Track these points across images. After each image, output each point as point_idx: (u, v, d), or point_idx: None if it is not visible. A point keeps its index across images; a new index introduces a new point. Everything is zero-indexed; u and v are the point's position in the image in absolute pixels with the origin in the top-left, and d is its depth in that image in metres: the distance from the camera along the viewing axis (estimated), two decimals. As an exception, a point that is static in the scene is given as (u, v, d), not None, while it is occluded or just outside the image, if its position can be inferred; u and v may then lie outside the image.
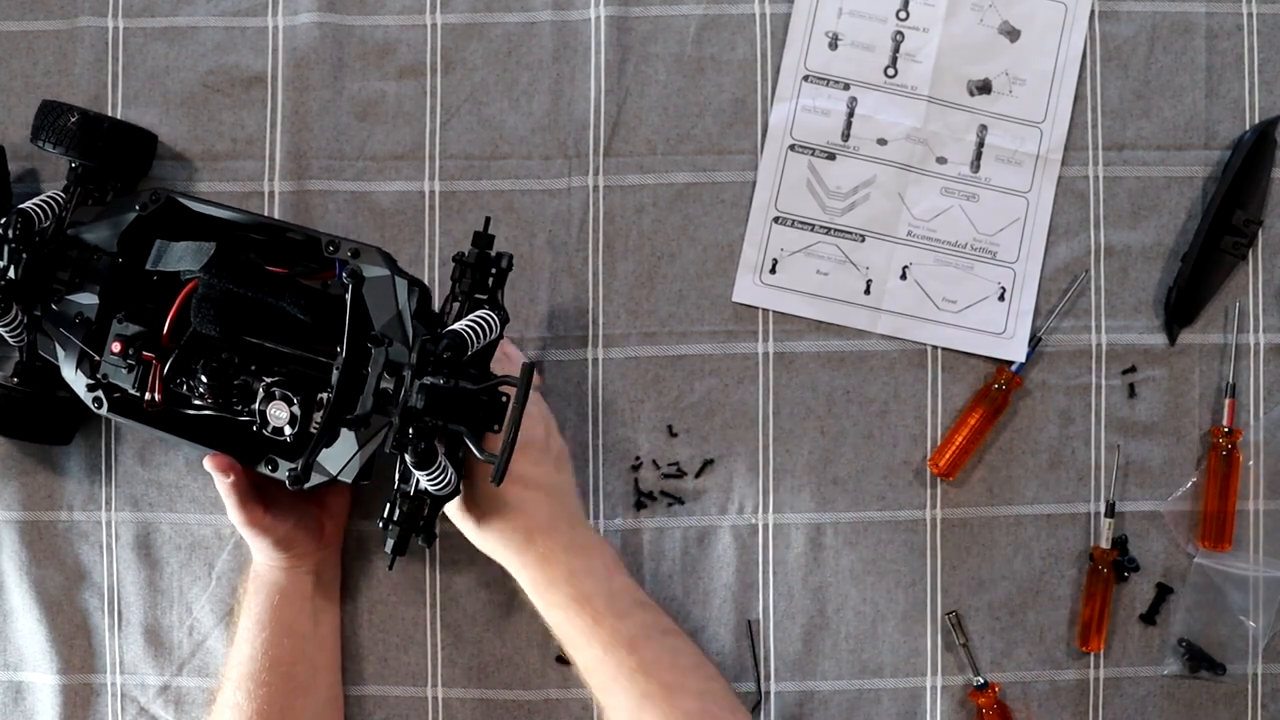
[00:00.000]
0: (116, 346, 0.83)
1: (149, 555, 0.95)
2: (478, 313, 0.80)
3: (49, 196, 0.88)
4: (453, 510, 0.85)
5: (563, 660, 0.94)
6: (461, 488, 0.83)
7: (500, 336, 0.82)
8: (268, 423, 0.81)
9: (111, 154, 0.90)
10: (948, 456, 0.93)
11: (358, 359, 0.79)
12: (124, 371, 0.83)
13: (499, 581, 0.94)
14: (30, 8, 0.97)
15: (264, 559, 0.89)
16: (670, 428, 0.95)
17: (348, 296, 0.78)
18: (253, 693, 0.86)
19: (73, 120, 0.88)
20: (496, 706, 0.94)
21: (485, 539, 0.85)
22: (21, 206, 0.85)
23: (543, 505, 0.84)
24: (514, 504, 0.83)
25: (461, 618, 0.94)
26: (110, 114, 0.95)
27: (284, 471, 0.81)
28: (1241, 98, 0.96)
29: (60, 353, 0.85)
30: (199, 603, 0.95)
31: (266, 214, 0.95)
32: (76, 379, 0.85)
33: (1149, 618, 0.94)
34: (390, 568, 0.84)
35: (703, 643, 0.94)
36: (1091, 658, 0.94)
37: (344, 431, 0.80)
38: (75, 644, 0.95)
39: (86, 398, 0.84)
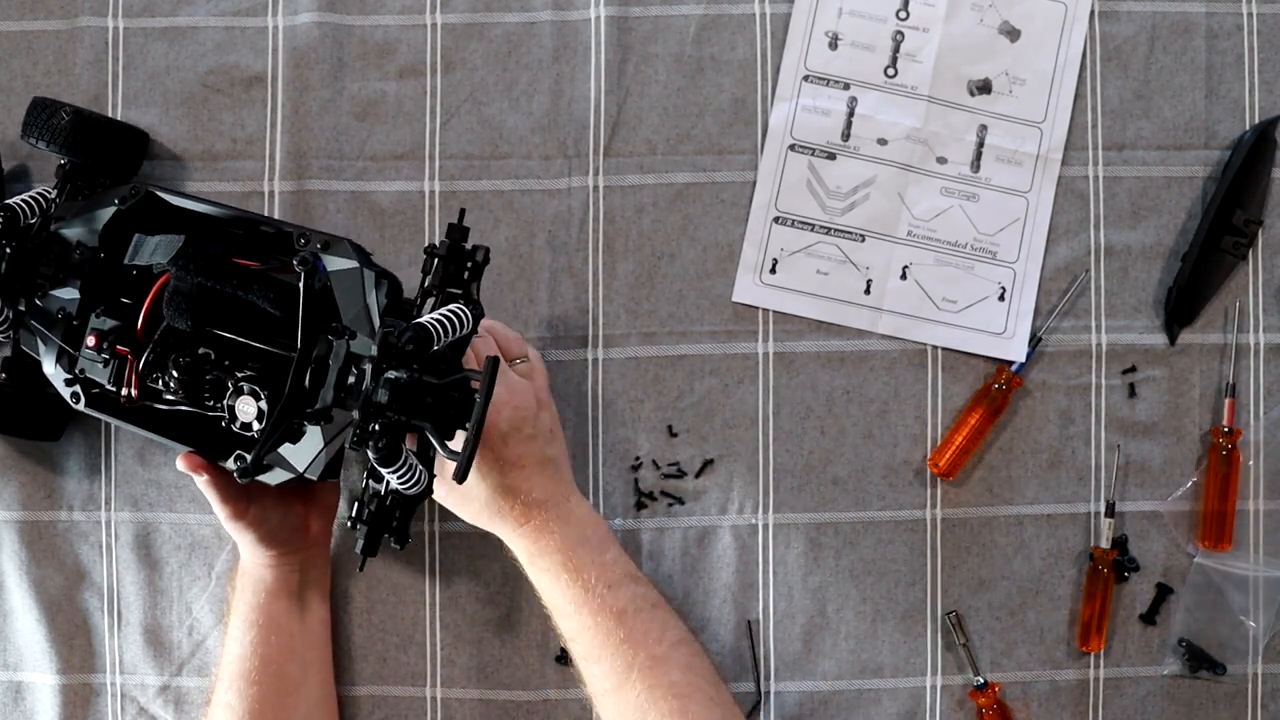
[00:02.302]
0: (91, 341, 0.80)
1: (148, 555, 0.93)
2: (449, 306, 0.77)
3: (36, 193, 0.86)
4: (442, 493, 0.84)
5: (562, 660, 0.92)
6: (434, 485, 0.80)
7: (474, 332, 0.78)
8: (236, 418, 0.78)
9: (102, 151, 0.88)
10: (948, 456, 0.91)
11: (311, 349, 0.76)
12: (100, 366, 0.81)
13: (499, 581, 0.92)
14: (30, 7, 0.94)
15: (250, 555, 0.86)
16: (670, 428, 0.93)
17: (300, 285, 0.75)
18: (244, 692, 0.84)
19: (63, 117, 0.86)
20: (495, 706, 0.92)
21: (480, 518, 0.84)
22: (6, 202, 0.84)
23: (536, 482, 0.82)
24: (509, 485, 0.82)
25: (461, 618, 0.92)
26: (110, 114, 0.93)
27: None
28: (1241, 98, 0.94)
29: (41, 348, 0.83)
30: (198, 603, 0.93)
31: (265, 214, 0.93)
32: (56, 374, 0.83)
33: (1149, 618, 0.92)
34: (361, 569, 0.82)
35: (702, 643, 0.92)
36: (1091, 658, 0.92)
37: (311, 428, 0.77)
38: (75, 644, 0.93)
39: (65, 393, 0.82)
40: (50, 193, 0.87)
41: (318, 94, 0.94)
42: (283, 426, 0.76)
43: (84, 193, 0.88)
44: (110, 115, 0.93)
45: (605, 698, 0.81)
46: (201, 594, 0.93)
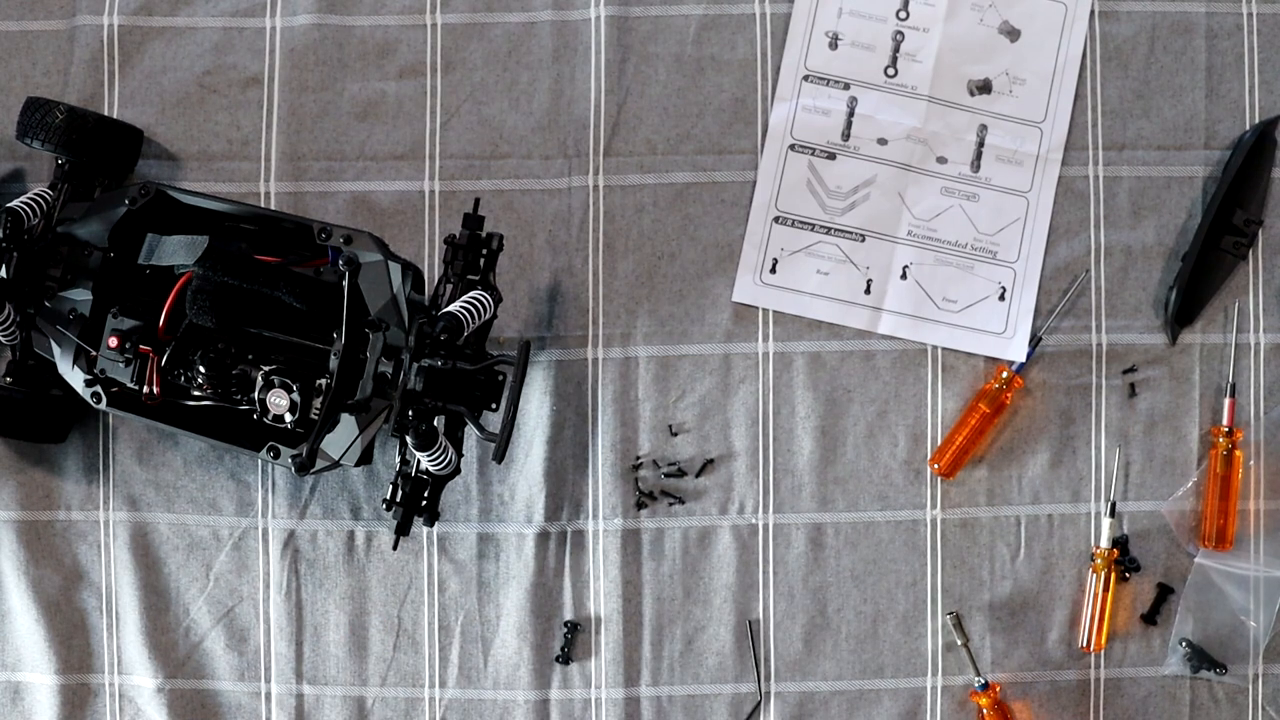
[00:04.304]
0: (113, 341, 0.80)
1: (146, 555, 0.90)
2: (471, 294, 0.78)
3: (36, 194, 0.84)
4: None
5: (562, 660, 0.90)
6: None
7: (494, 316, 0.80)
8: (268, 411, 0.79)
9: (98, 150, 0.85)
10: (948, 456, 0.89)
11: (356, 344, 0.77)
12: (121, 365, 0.80)
13: (498, 582, 0.90)
14: (30, 8, 0.92)
15: None
16: (670, 428, 0.90)
17: (344, 284, 0.76)
18: None
19: (58, 116, 0.84)
20: (495, 706, 0.90)
21: None
22: (9, 205, 0.82)
23: None
24: None
25: (460, 618, 0.90)
26: (106, 113, 0.91)
27: (286, 459, 0.78)
28: (1241, 98, 0.92)
29: (56, 350, 0.82)
30: (196, 603, 0.90)
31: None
32: (74, 375, 0.82)
33: (1150, 618, 0.90)
34: (395, 548, 0.82)
35: (703, 643, 0.90)
36: (1092, 658, 0.90)
37: (345, 416, 0.77)
38: (73, 644, 0.91)
39: (85, 393, 0.82)
40: (49, 193, 0.85)
41: (315, 95, 0.91)
42: (331, 418, 0.77)
43: (82, 192, 0.86)
44: (105, 114, 0.90)
45: None
46: (199, 595, 0.90)
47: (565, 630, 0.89)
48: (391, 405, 0.76)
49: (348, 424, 0.78)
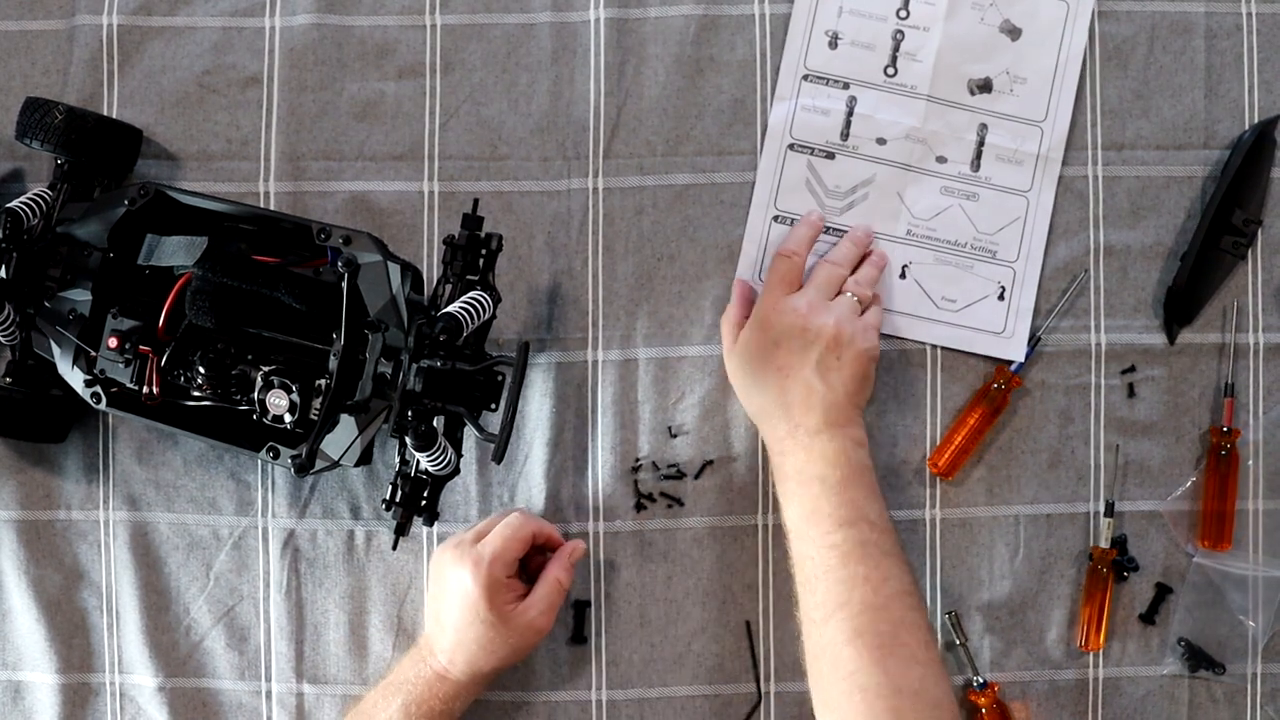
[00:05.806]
0: (113, 342, 0.80)
1: (147, 555, 0.90)
2: (470, 294, 0.78)
3: (36, 194, 0.83)
4: (732, 361, 0.86)
5: (577, 640, 0.89)
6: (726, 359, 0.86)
7: (494, 316, 0.80)
8: (268, 411, 0.79)
9: (97, 150, 0.85)
10: (947, 456, 0.88)
11: (355, 345, 0.77)
12: (121, 366, 0.80)
13: (498, 582, 0.90)
14: (29, 7, 0.92)
15: (464, 663, 0.82)
16: (670, 429, 0.90)
17: (343, 285, 0.76)
18: None
19: (57, 116, 0.83)
20: (496, 707, 0.89)
21: (749, 405, 0.86)
22: (9, 205, 0.82)
23: (794, 396, 0.82)
24: (765, 385, 0.83)
25: (461, 618, 0.90)
26: (106, 113, 0.90)
27: (286, 459, 0.78)
28: (1241, 98, 0.91)
29: (56, 350, 0.82)
30: (196, 603, 0.90)
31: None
32: (73, 375, 0.82)
33: (1148, 617, 0.89)
34: (394, 548, 0.82)
35: (703, 644, 0.89)
36: (1091, 657, 0.89)
37: (344, 417, 0.77)
38: (74, 643, 0.90)
39: (85, 394, 0.81)
40: (49, 193, 0.84)
41: (315, 95, 0.90)
42: (331, 419, 0.76)
43: (82, 192, 0.86)
44: (105, 114, 0.90)
45: (811, 626, 0.79)
46: (200, 594, 0.90)
47: (573, 610, 0.89)
48: (391, 406, 0.76)
49: (347, 424, 0.77)
